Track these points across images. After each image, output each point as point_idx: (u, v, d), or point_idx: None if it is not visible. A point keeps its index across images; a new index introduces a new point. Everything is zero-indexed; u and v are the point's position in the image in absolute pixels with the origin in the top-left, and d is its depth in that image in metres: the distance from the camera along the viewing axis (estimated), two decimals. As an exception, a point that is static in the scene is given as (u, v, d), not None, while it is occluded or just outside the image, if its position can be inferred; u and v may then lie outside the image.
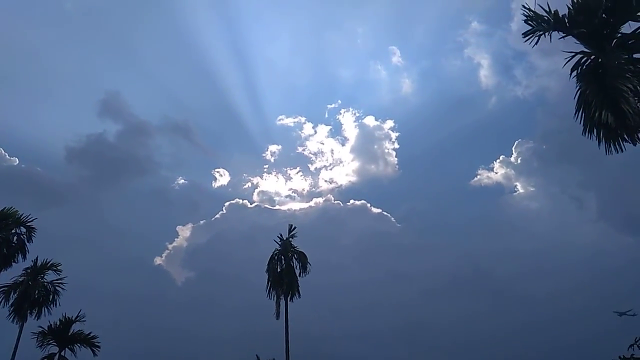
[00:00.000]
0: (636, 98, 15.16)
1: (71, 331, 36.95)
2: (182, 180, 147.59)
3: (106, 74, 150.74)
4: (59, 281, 36.13)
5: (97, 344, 37.25)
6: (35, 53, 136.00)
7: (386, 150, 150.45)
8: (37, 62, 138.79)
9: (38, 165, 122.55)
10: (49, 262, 36.17)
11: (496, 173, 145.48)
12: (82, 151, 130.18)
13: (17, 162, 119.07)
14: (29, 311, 34.03)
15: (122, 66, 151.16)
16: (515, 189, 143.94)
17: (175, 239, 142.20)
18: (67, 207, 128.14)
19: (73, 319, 37.01)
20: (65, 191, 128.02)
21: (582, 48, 16.46)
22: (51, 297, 35.53)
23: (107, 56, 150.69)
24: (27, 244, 34.19)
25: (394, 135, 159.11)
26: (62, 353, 36.56)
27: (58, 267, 36.35)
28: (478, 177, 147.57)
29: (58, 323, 36.51)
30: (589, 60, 16.31)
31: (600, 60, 15.98)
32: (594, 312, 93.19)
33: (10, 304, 33.88)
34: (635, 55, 15.70)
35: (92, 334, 37.46)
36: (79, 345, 37.04)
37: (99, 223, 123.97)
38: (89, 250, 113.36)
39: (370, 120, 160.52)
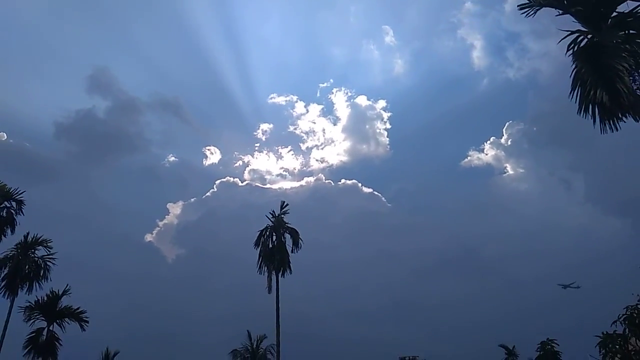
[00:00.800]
0: (631, 77, 15.23)
1: (59, 306, 37.04)
2: (173, 158, 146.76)
3: (95, 49, 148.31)
4: (49, 257, 36.09)
5: (85, 318, 37.49)
6: (23, 27, 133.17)
7: (378, 130, 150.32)
8: (25, 37, 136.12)
9: (27, 141, 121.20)
10: (39, 237, 36.07)
11: (486, 154, 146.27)
12: (71, 127, 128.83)
13: (5, 137, 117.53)
14: (20, 286, 33.90)
15: (111, 42, 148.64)
16: (505, 171, 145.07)
17: (166, 216, 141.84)
18: (56, 183, 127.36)
19: (60, 293, 37.07)
20: (54, 167, 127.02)
21: (578, 27, 16.41)
22: (42, 272, 35.43)
23: (96, 31, 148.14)
24: (17, 217, 33.93)
25: (385, 115, 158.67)
26: (51, 327, 36.70)
27: (48, 243, 36.22)
28: (468, 158, 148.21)
29: (45, 298, 36.52)
30: (585, 39, 16.28)
31: (596, 39, 15.97)
32: (581, 293, 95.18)
33: (1, 278, 33.72)
34: (631, 32, 15.69)
35: (80, 309, 37.64)
36: (67, 319, 37.17)
37: (89, 199, 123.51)
38: (78, 226, 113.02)
39: (362, 100, 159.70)
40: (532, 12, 16.70)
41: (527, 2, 16.82)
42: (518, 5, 16.85)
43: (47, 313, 36.83)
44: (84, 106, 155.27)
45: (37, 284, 35.00)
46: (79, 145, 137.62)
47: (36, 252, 35.75)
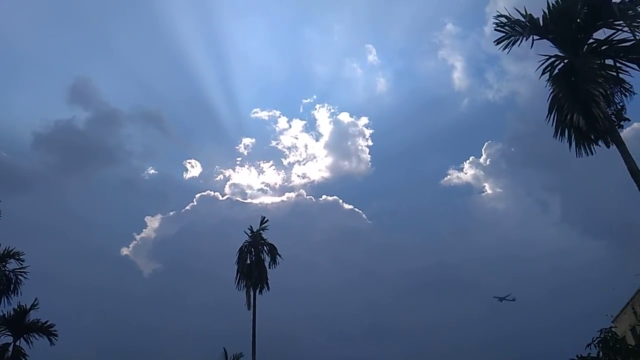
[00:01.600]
0: (606, 103, 15.57)
1: (27, 320, 35.89)
2: (153, 171, 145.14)
3: (76, 60, 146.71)
4: (21, 270, 34.84)
5: (54, 332, 36.30)
6: (2, 36, 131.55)
7: (360, 147, 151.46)
8: (4, 45, 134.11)
9: (3, 150, 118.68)
10: (11, 250, 34.84)
11: (466, 173, 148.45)
12: (50, 137, 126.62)
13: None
14: (-13, 300, 32.78)
15: (92, 52, 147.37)
16: (484, 190, 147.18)
17: (144, 230, 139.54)
18: (32, 193, 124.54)
19: (28, 307, 35.97)
20: (30, 177, 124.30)
21: (556, 52, 16.77)
22: (12, 286, 34.26)
23: (78, 41, 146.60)
24: (-12, 229, 32.88)
25: (367, 132, 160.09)
26: (17, 343, 35.51)
27: (20, 256, 35.09)
28: (448, 176, 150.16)
29: (12, 312, 35.39)
30: (563, 64, 16.63)
31: (573, 64, 16.32)
32: (551, 306, 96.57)
33: (-32, 292, 32.55)
34: (606, 61, 16.08)
35: (48, 323, 36.46)
36: (35, 334, 36.00)
37: (65, 211, 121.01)
38: (53, 238, 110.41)
39: (344, 117, 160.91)
40: (510, 44, 16.91)
41: (504, 34, 17.00)
42: (494, 41, 17.05)
43: (13, 328, 35.62)
44: (63, 117, 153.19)
45: (6, 298, 33.82)
46: (57, 155, 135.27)
47: (7, 265, 34.59)
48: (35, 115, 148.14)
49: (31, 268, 35.45)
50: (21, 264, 34.68)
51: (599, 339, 20.84)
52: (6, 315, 35.26)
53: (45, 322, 36.41)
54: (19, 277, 34.35)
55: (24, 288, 34.62)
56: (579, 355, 23.81)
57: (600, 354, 21.04)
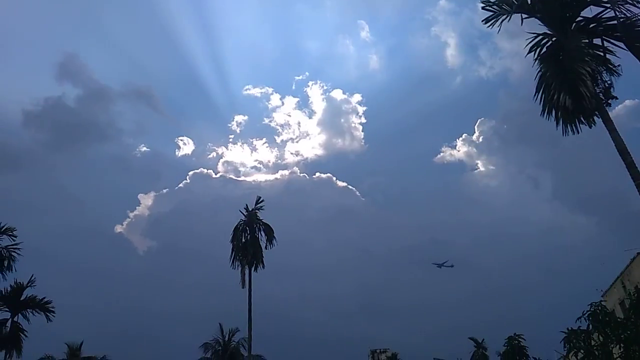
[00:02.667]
0: (593, 82, 15.75)
1: (24, 296, 36.37)
2: (145, 148, 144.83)
3: (64, 36, 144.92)
4: (14, 246, 35.08)
5: (51, 309, 36.88)
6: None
7: (353, 125, 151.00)
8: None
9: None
10: (3, 226, 35.01)
11: (458, 151, 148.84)
12: (40, 115, 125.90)
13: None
14: (-18, 277, 33.11)
15: (81, 28, 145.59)
16: (476, 167, 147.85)
17: (137, 207, 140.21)
18: (24, 171, 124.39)
19: (25, 284, 36.40)
20: (22, 156, 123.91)
21: (545, 30, 16.84)
22: (6, 262, 34.55)
23: (66, 17, 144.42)
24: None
25: (361, 109, 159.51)
26: (15, 319, 36.06)
27: (13, 232, 35.25)
28: (441, 154, 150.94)
29: (9, 289, 35.85)
30: (551, 42, 16.73)
31: (561, 42, 16.43)
32: (545, 284, 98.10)
33: (-38, 268, 32.86)
34: (594, 40, 16.20)
35: (45, 299, 36.99)
36: (32, 310, 36.53)
37: (57, 189, 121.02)
38: (46, 216, 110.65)
39: (337, 94, 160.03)
40: (498, 23, 16.93)
41: (492, 12, 17.00)
42: (483, 20, 17.03)
43: (10, 304, 36.15)
44: (53, 94, 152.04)
45: (1, 274, 34.21)
46: (48, 133, 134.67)
47: (0, 241, 34.85)
48: (24, 92, 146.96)
49: (25, 245, 35.74)
50: (14, 240, 34.98)
51: (588, 312, 21.55)
52: (3, 292, 35.77)
53: (43, 299, 36.94)
54: (12, 253, 34.67)
55: (18, 265, 34.96)
56: (569, 328, 24.54)
57: (590, 326, 21.76)
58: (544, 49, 16.77)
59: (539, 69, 16.81)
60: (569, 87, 15.69)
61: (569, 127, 16.63)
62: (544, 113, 16.85)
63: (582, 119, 16.40)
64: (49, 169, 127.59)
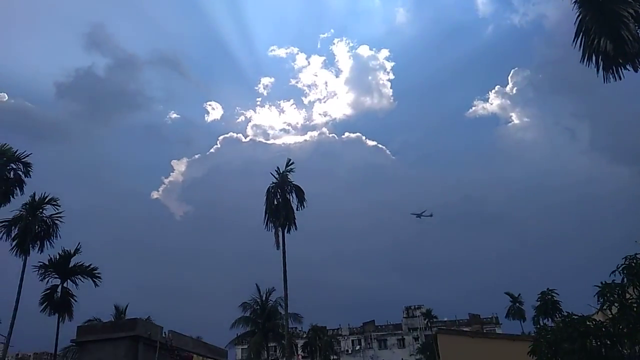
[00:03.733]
0: (636, 24, 14.93)
1: (72, 263, 38.13)
2: (175, 115, 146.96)
3: (90, 5, 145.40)
4: (57, 215, 36.65)
5: (97, 274, 38.64)
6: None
7: (381, 82, 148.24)
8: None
9: (28, 101, 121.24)
10: (46, 196, 36.48)
11: (491, 104, 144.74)
12: (72, 86, 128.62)
13: (7, 97, 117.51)
14: (31, 245, 34.74)
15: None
16: (510, 120, 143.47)
17: (171, 173, 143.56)
18: (61, 142, 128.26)
19: (72, 252, 38.09)
20: (57, 126, 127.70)
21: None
22: (52, 230, 36.15)
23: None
24: (25, 179, 34.43)
25: (388, 65, 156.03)
26: (65, 284, 37.98)
27: (57, 202, 36.74)
28: (473, 108, 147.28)
29: (58, 256, 37.59)
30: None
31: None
32: (582, 236, 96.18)
33: (12, 238, 34.54)
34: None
35: (92, 266, 38.75)
36: (80, 276, 38.34)
37: (93, 158, 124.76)
38: (85, 184, 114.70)
39: (364, 50, 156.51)
40: None
41: None
42: None
43: (60, 271, 37.96)
44: (83, 64, 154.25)
45: (47, 242, 35.82)
46: (81, 104, 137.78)
47: (44, 211, 36.32)
48: (54, 64, 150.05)
49: (68, 213, 37.36)
50: (57, 210, 36.50)
51: (623, 265, 21.03)
52: (52, 259, 37.59)
53: (89, 266, 38.74)
54: (56, 221, 36.25)
55: (62, 232, 36.62)
56: (603, 282, 24.13)
57: (625, 280, 21.25)
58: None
59: (577, 13, 16.02)
60: (610, 30, 14.97)
61: (610, 74, 15.92)
62: (583, 59, 16.18)
63: (624, 64, 15.62)
64: (86, 138, 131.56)
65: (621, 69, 15.87)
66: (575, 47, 16.30)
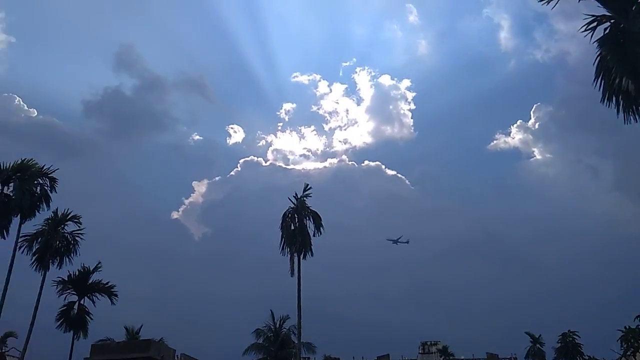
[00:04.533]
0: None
1: (90, 280, 38.61)
2: (197, 137, 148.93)
3: (120, 27, 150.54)
4: (78, 232, 37.37)
5: (114, 292, 39.03)
6: (49, 5, 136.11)
7: (402, 111, 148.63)
8: (51, 14, 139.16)
9: (56, 118, 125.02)
10: (69, 213, 37.32)
11: (513, 138, 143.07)
12: (100, 104, 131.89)
13: (36, 113, 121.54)
14: (50, 260, 35.33)
15: (134, 19, 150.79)
16: (532, 155, 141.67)
17: (192, 194, 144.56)
18: (85, 159, 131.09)
19: (91, 269, 38.62)
20: (83, 144, 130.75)
21: (603, 11, 16.16)
22: (71, 247, 36.75)
23: (121, 9, 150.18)
24: (51, 194, 35.21)
25: (410, 95, 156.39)
26: (82, 301, 38.38)
27: (79, 219, 37.51)
28: (495, 141, 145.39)
29: (77, 273, 38.11)
30: (610, 25, 16.04)
31: (622, 25, 15.73)
32: (606, 279, 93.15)
33: (33, 252, 35.21)
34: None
35: (109, 284, 39.20)
36: (97, 294, 38.76)
37: (116, 176, 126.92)
38: (107, 202, 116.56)
39: (385, 80, 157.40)
40: (555, 1, 16.38)
41: None
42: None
43: (78, 287, 38.49)
44: (111, 84, 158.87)
45: (67, 258, 36.43)
46: (108, 122, 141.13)
47: (66, 227, 37.06)
48: (83, 82, 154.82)
49: (89, 231, 38.13)
50: (79, 226, 37.29)
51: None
52: (72, 275, 38.16)
53: (107, 283, 39.22)
54: (77, 238, 36.97)
55: (82, 250, 37.30)
56: (627, 327, 23.57)
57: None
58: (602, 32, 16.08)
59: (598, 53, 16.19)
60: (631, 71, 15.08)
61: (630, 114, 15.96)
62: (604, 99, 16.26)
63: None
64: (110, 157, 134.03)
65: (642, 110, 15.89)
66: (595, 86, 16.42)
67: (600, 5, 16.17)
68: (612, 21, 15.98)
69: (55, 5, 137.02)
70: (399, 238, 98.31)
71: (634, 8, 15.62)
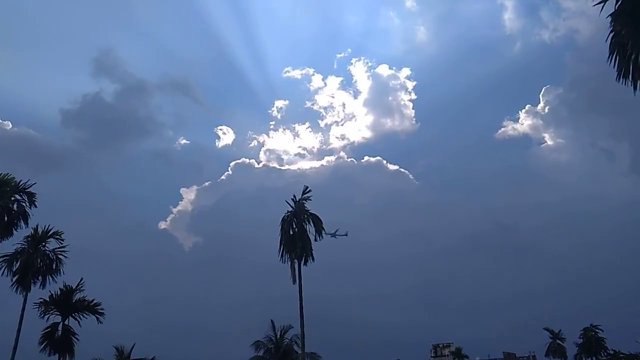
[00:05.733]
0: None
1: (74, 299, 38.21)
2: (185, 141, 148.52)
3: (98, 30, 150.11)
4: (61, 249, 36.99)
5: (100, 310, 38.63)
6: (22, 9, 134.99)
7: (402, 102, 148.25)
8: (25, 19, 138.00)
9: (33, 129, 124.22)
10: (50, 229, 36.94)
11: (522, 124, 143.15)
12: (79, 113, 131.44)
13: (10, 126, 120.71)
14: (32, 281, 34.96)
15: (114, 21, 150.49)
16: (543, 141, 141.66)
17: (180, 202, 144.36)
18: (66, 171, 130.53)
19: (74, 287, 38.20)
20: (63, 155, 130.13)
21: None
22: (54, 265, 36.39)
23: (98, 11, 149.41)
24: (29, 210, 34.88)
25: (410, 84, 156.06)
26: (66, 322, 37.96)
27: (60, 235, 37.11)
28: (503, 128, 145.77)
29: (59, 292, 37.70)
30: (624, -2, 15.79)
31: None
32: (625, 266, 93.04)
33: (13, 273, 34.82)
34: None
35: (95, 301, 38.75)
36: (82, 313, 38.36)
37: (99, 187, 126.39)
38: (90, 215, 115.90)
39: (383, 70, 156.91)
40: None
41: None
42: None
43: (61, 307, 38.00)
44: (90, 90, 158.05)
45: (50, 277, 36.05)
46: (88, 131, 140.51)
47: (47, 244, 36.69)
48: (61, 90, 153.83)
49: (72, 246, 37.73)
50: (61, 243, 36.88)
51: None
52: (54, 295, 37.74)
53: (92, 301, 38.74)
54: (59, 256, 36.57)
55: (66, 267, 36.94)
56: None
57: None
58: (616, 6, 15.84)
59: (610, 29, 15.96)
60: (648, 45, 14.83)
61: (648, 92, 15.74)
62: (619, 77, 16.04)
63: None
64: (92, 167, 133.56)
65: (661, 87, 15.69)
66: (610, 64, 16.19)
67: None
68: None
69: (29, 10, 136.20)
70: (336, 231, 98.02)
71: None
